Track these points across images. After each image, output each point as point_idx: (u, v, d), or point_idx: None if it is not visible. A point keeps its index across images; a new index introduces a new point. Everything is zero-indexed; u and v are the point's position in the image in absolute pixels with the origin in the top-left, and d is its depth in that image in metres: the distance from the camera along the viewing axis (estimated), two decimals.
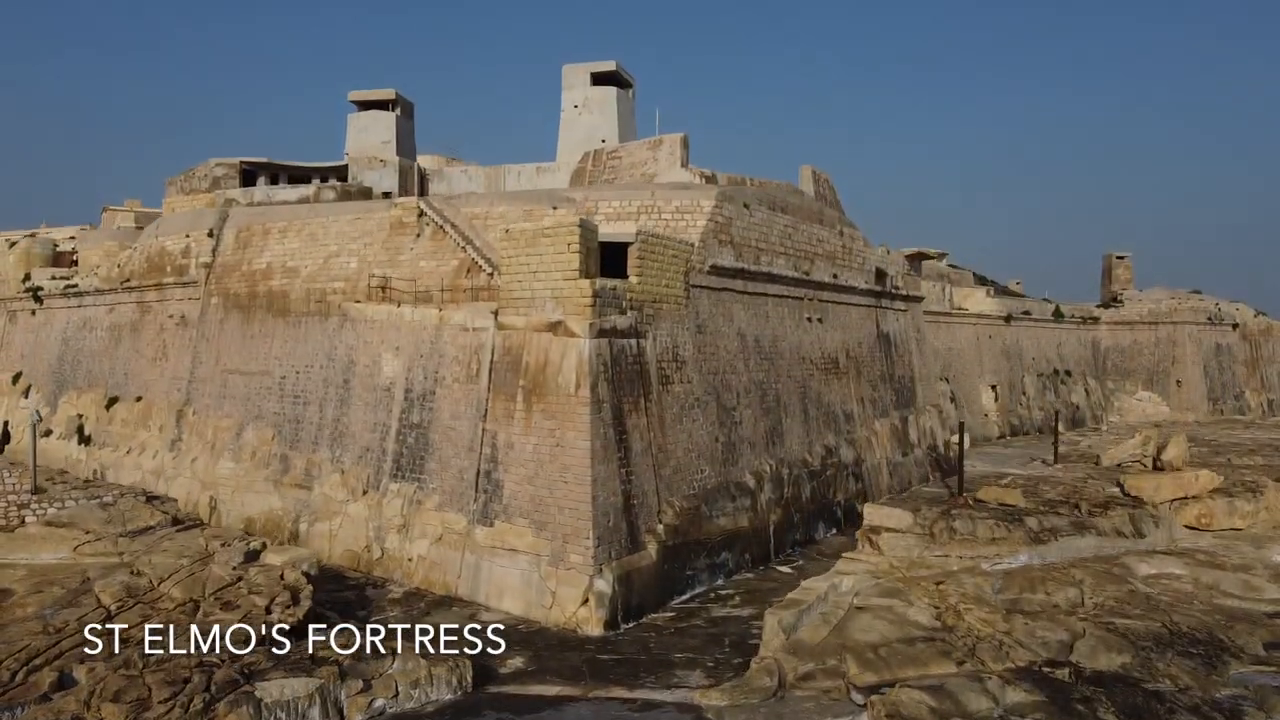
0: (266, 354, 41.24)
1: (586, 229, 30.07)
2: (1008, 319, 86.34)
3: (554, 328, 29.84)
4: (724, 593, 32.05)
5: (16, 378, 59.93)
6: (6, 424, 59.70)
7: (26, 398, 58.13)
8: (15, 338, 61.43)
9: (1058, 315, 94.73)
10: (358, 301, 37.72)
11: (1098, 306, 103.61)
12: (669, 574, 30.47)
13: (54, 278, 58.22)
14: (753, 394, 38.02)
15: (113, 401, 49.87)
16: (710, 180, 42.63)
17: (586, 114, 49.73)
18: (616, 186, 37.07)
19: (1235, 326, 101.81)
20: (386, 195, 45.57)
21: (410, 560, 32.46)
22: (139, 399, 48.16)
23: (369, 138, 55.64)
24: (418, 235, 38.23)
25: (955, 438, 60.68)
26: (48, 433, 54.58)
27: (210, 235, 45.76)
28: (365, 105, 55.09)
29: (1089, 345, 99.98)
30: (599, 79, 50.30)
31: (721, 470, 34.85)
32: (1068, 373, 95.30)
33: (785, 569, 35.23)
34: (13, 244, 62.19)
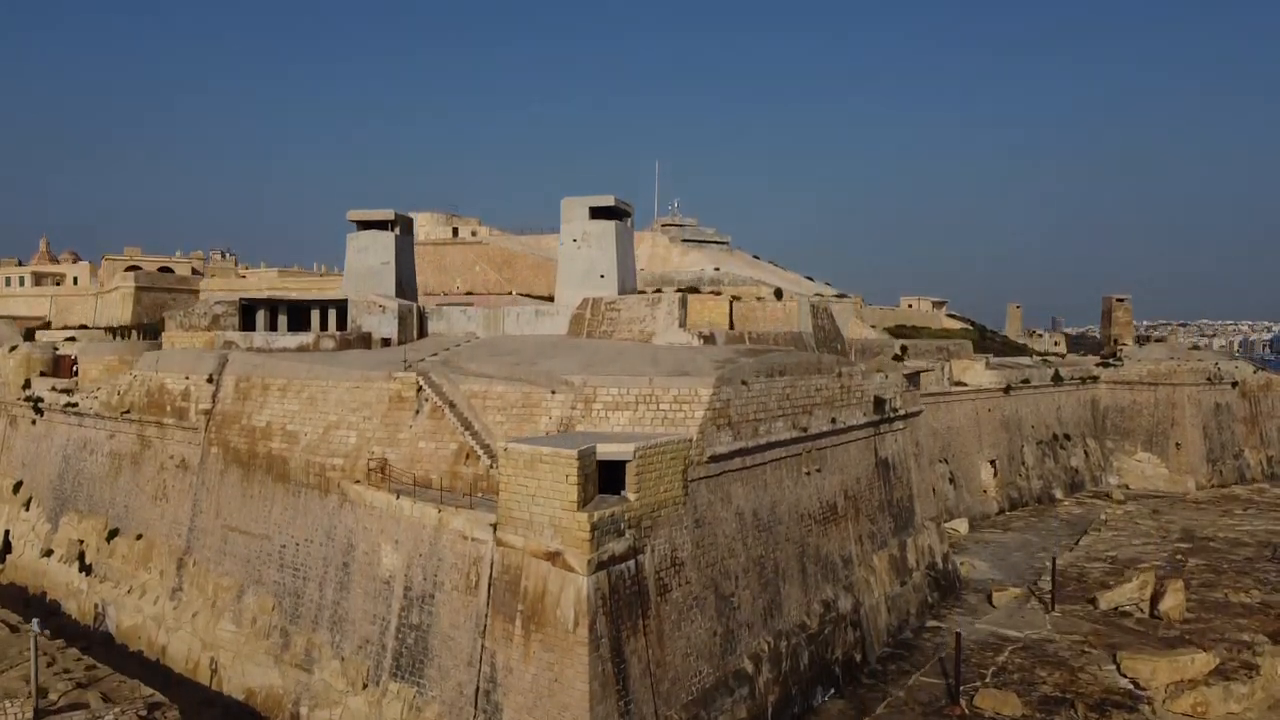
0: (266, 518, 41.36)
1: (584, 458, 30.14)
2: (1007, 389, 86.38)
3: (553, 558, 29.94)
4: None
5: (17, 486, 60.08)
6: (8, 533, 59.97)
7: (28, 510, 58.31)
8: (16, 444, 61.55)
9: (1057, 379, 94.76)
10: (357, 482, 37.79)
11: (1097, 364, 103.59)
12: None
13: (54, 389, 58.24)
14: (751, 572, 38.14)
15: (113, 534, 50.01)
16: (708, 340, 42.65)
17: (585, 248, 49.67)
18: (615, 373, 37.00)
19: (1235, 385, 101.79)
20: (386, 342, 45.58)
21: None
22: (139, 536, 48.29)
23: (368, 259, 55.68)
24: (416, 411, 38.29)
25: (960, 562, 60.90)
26: (49, 552, 54.86)
27: (210, 381, 45.82)
28: (365, 225, 55.08)
29: (1088, 405, 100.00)
30: (597, 213, 50.24)
31: (720, 664, 34.99)
32: (1066, 436, 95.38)
33: None
34: (13, 348, 62.17)
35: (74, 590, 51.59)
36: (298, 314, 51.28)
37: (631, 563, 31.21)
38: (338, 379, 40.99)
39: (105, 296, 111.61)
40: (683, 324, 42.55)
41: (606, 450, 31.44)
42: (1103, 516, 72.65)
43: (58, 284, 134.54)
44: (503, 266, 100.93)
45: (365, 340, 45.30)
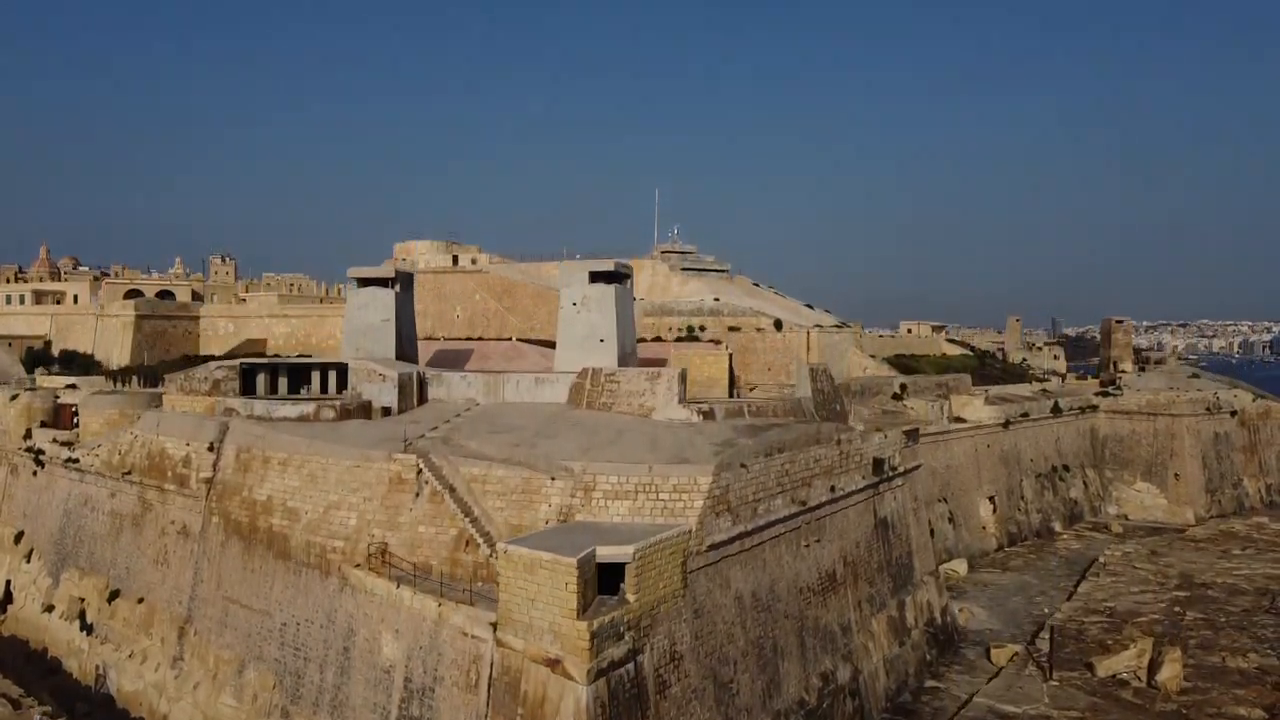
0: (267, 595, 41.53)
1: (584, 565, 30.30)
2: (1006, 424, 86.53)
3: (552, 664, 30.10)
4: None
5: (19, 537, 60.24)
6: (9, 584, 60.15)
7: (29, 562, 58.49)
8: (17, 493, 61.71)
9: (1056, 410, 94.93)
10: (358, 566, 37.94)
11: (1096, 393, 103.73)
12: None
13: (55, 441, 58.39)
14: (750, 655, 38.31)
15: (114, 595, 50.17)
16: (708, 417, 42.76)
17: (585, 312, 49.83)
18: (615, 458, 37.13)
19: (1234, 414, 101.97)
20: (386, 411, 45.72)
21: None
22: (141, 600, 48.46)
23: (368, 315, 55.85)
24: (417, 494, 38.44)
25: (958, 610, 61.13)
26: (50, 608, 55.03)
27: (211, 450, 45.96)
28: (365, 282, 55.27)
29: (1087, 435, 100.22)
30: (597, 277, 50.39)
31: None
32: (1065, 467, 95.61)
33: None
34: (14, 397, 62.31)
35: (75, 649, 51.78)
36: (298, 375, 51.44)
37: (631, 665, 31.39)
38: (338, 456, 41.11)
39: (105, 321, 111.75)
40: (682, 399, 42.63)
41: (606, 553, 31.59)
42: (1101, 560, 72.71)
43: (58, 302, 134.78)
44: (503, 295, 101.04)
45: (365, 409, 45.42)
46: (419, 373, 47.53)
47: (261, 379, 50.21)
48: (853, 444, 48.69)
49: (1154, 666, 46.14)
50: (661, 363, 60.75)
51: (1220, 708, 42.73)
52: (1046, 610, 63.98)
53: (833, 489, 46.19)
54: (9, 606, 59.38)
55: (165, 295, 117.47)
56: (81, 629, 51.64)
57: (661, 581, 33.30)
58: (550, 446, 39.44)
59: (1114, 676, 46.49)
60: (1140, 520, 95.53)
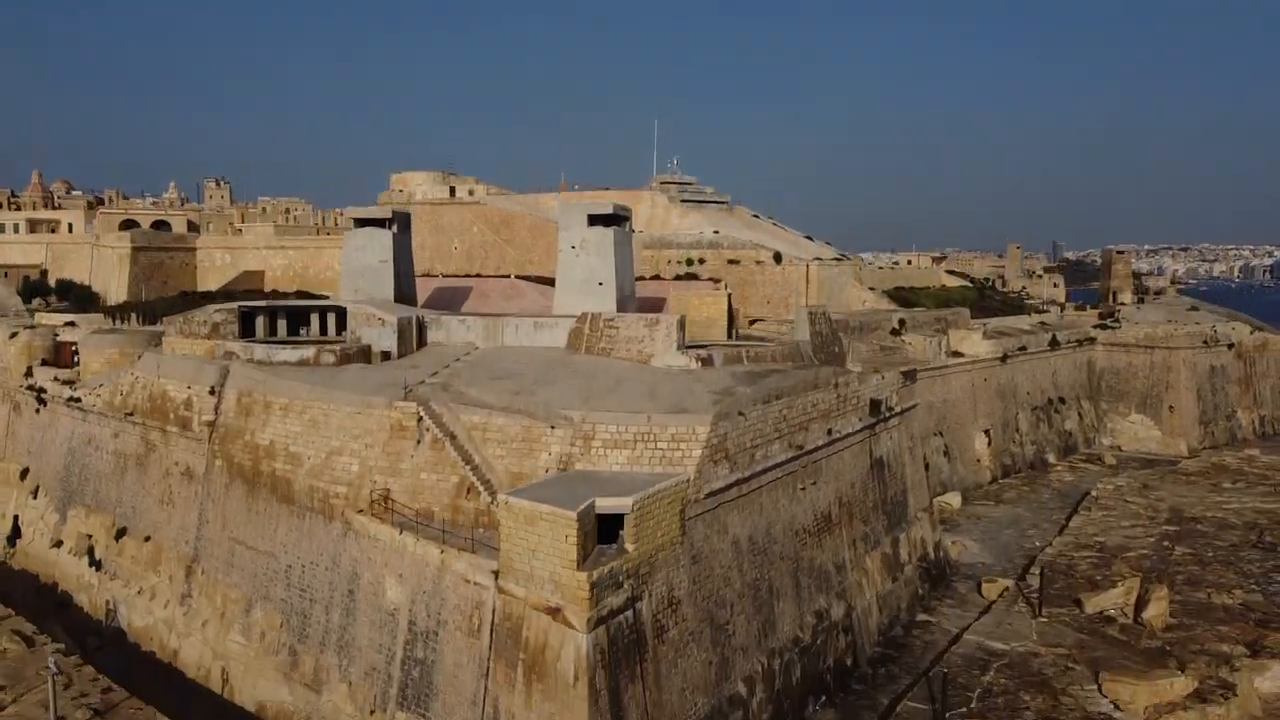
0: (272, 537, 42.25)
1: (584, 517, 30.82)
2: (1003, 358, 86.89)
3: (553, 613, 30.83)
4: None
5: (24, 473, 60.97)
6: (17, 519, 61.08)
7: (35, 498, 59.30)
8: (20, 430, 62.24)
9: (1053, 344, 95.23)
10: (360, 511, 38.54)
11: (1094, 325, 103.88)
12: None
13: (56, 379, 58.69)
14: (746, 597, 39.18)
15: (122, 532, 51.00)
16: (707, 364, 42.95)
17: (584, 255, 49.62)
18: (614, 407, 37.42)
19: (1231, 347, 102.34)
20: (386, 355, 45.86)
21: None
22: (148, 538, 49.30)
23: (365, 256, 55.64)
24: (418, 442, 38.85)
25: (950, 543, 62.19)
26: (58, 543, 56.00)
27: (212, 393, 46.27)
28: (362, 222, 54.96)
29: (1084, 367, 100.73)
30: (595, 220, 50.04)
31: (714, 692, 36.21)
32: (1061, 400, 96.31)
33: None
34: (14, 334, 62.41)
35: (85, 584, 52.85)
36: (296, 317, 51.48)
37: (630, 612, 32.14)
38: (339, 403, 41.41)
39: (101, 251, 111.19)
40: (680, 346, 42.74)
41: (605, 504, 32.10)
42: (1093, 493, 73.72)
43: (53, 231, 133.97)
44: (500, 227, 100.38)
45: (365, 354, 45.56)
46: (418, 316, 47.55)
47: (260, 321, 50.28)
48: (850, 387, 49.01)
49: (1141, 604, 47.22)
50: (660, 303, 60.77)
51: (1204, 644, 43.86)
52: (1038, 544, 65.17)
53: (829, 432, 46.65)
54: (18, 541, 60.41)
55: (161, 225, 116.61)
56: (90, 565, 52.62)
57: (660, 530, 33.89)
58: (550, 394, 39.71)
59: (1101, 613, 47.61)
60: (1133, 452, 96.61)
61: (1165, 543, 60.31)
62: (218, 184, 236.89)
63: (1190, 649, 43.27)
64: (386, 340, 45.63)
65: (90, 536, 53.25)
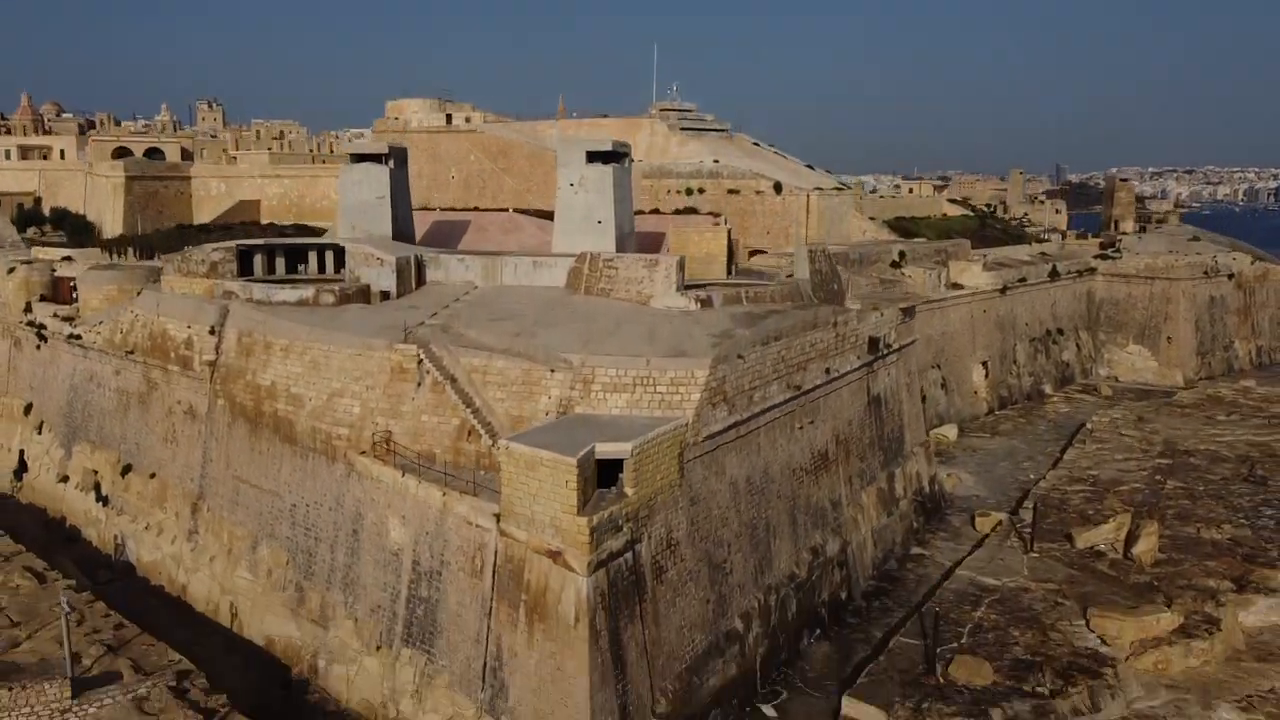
0: (276, 476, 42.79)
1: (584, 463, 31.21)
2: (1003, 290, 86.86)
3: (554, 556, 31.44)
4: None
5: (28, 409, 61.41)
6: (23, 453, 61.73)
7: (40, 433, 59.83)
8: (22, 366, 62.49)
9: (1054, 275, 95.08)
10: (363, 453, 38.97)
11: (1095, 255, 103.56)
12: None
13: (56, 315, 58.70)
14: (743, 536, 39.88)
15: (127, 469, 51.61)
16: (706, 305, 42.98)
17: (583, 193, 49.16)
18: (614, 351, 37.50)
19: (1231, 277, 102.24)
20: (385, 295, 45.81)
21: None
22: (153, 475, 49.91)
23: (362, 193, 55.15)
24: (418, 384, 39.09)
25: (946, 475, 62.95)
26: (64, 478, 56.72)
27: (212, 333, 46.36)
28: (359, 158, 54.34)
29: (1083, 298, 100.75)
30: (594, 157, 49.45)
31: (712, 629, 37.15)
32: (1060, 331, 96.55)
33: (769, 710, 38.10)
34: (11, 269, 62.24)
35: (93, 519, 53.67)
36: (295, 256, 51.31)
37: (629, 554, 32.78)
38: (339, 345, 41.53)
39: (95, 180, 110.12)
40: (680, 287, 42.69)
41: (605, 450, 32.46)
42: (1088, 425, 74.40)
43: (45, 157, 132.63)
44: (498, 156, 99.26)
45: (364, 294, 45.50)
46: (416, 256, 47.38)
47: (259, 259, 50.11)
48: (849, 325, 49.10)
49: (1131, 539, 48.08)
50: (659, 238, 60.49)
51: (1191, 579, 44.77)
52: (1032, 477, 66.05)
53: (828, 371, 46.89)
54: (24, 475, 61.15)
55: (154, 153, 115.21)
56: (97, 500, 53.38)
57: (659, 474, 34.34)
58: (550, 337, 39.82)
59: (1092, 548, 48.49)
60: (1130, 383, 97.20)
61: (1158, 477, 61.11)
62: (210, 106, 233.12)
63: (1178, 584, 44.19)
64: (385, 280, 45.56)
65: (96, 472, 53.89)
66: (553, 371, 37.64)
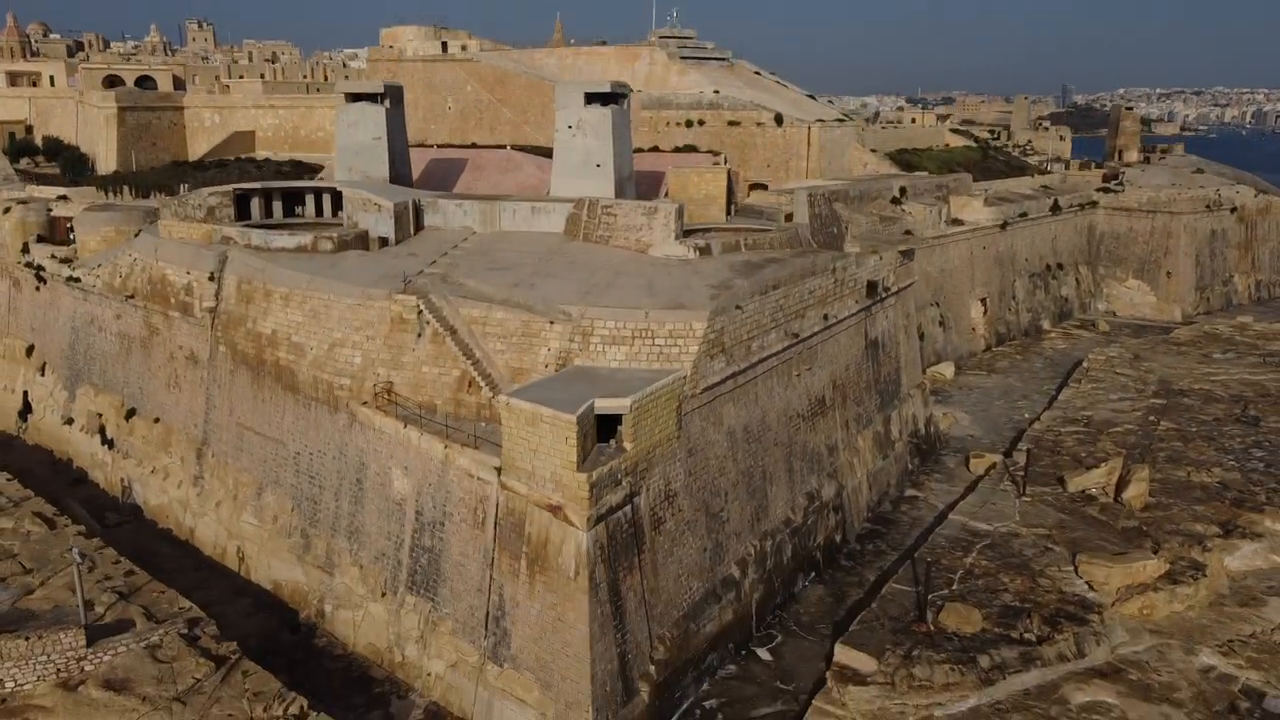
0: (279, 424, 43.27)
1: (583, 420, 31.63)
2: (1004, 225, 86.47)
3: (554, 510, 32.07)
4: (707, 704, 36.13)
5: (30, 350, 61.67)
6: (26, 394, 62.20)
7: (43, 375, 60.20)
8: (22, 307, 62.56)
9: (1055, 209, 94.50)
10: (365, 404, 39.37)
11: (1097, 189, 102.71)
12: (659, 708, 34.41)
13: (54, 257, 58.57)
14: (740, 484, 40.55)
15: (131, 413, 52.10)
16: (705, 253, 42.92)
17: (581, 136, 48.55)
18: (612, 303, 37.53)
19: (1233, 210, 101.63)
20: (384, 241, 45.66)
21: (429, 675, 36.33)
22: (157, 420, 50.41)
23: (358, 134, 54.48)
24: (418, 335, 39.30)
25: (941, 414, 63.50)
26: (69, 420, 57.27)
27: (211, 279, 46.38)
28: (355, 98, 53.55)
29: (1085, 232, 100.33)
30: (593, 98, 48.72)
31: (709, 574, 38.06)
32: (1060, 265, 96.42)
33: (764, 654, 39.28)
34: (7, 209, 61.89)
35: (99, 461, 54.36)
36: (292, 199, 50.96)
37: (628, 507, 33.42)
38: (339, 294, 41.60)
39: (87, 110, 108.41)
40: (678, 236, 42.59)
41: (604, 405, 32.86)
42: (1084, 364, 74.76)
43: (34, 84, 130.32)
44: (495, 86, 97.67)
45: (363, 240, 45.36)
46: (414, 201, 47.08)
47: (256, 203, 49.82)
48: (847, 271, 49.10)
49: (1122, 484, 48.80)
50: (659, 178, 60.04)
51: (1179, 524, 45.62)
52: (1027, 416, 66.77)
53: (825, 317, 47.06)
54: (29, 416, 61.73)
55: (145, 81, 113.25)
56: (103, 444, 53.99)
57: (657, 428, 34.80)
58: (549, 288, 39.89)
59: (1083, 492, 49.25)
60: (1128, 318, 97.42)
61: (1151, 417, 61.68)
62: (200, 26, 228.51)
63: (1166, 529, 45.03)
64: (383, 226, 45.42)
65: (100, 415, 54.40)
66: (552, 323, 37.82)
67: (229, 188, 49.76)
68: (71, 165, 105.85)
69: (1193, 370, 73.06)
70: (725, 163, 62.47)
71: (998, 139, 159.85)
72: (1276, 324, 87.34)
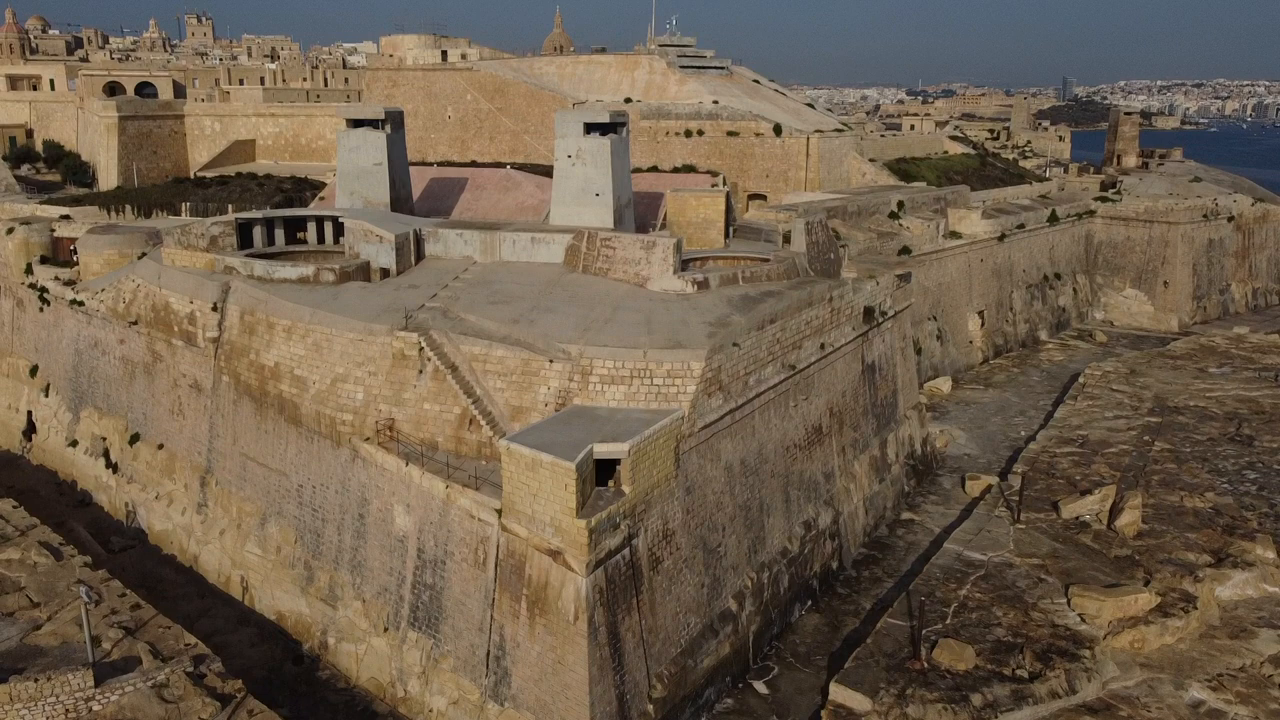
0: (282, 456, 43.78)
1: (582, 466, 32.13)
2: (1001, 237, 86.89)
3: (554, 555, 32.62)
4: None
5: (34, 371, 62.14)
6: (30, 414, 62.70)
7: (47, 395, 60.69)
8: (26, 327, 63.00)
9: (1053, 219, 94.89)
10: (367, 439, 39.88)
11: (1095, 197, 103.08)
12: None
13: (57, 279, 59.00)
14: (737, 518, 41.10)
15: (135, 438, 52.61)
16: (702, 287, 43.35)
17: (580, 165, 48.98)
18: (611, 342, 38.01)
19: (1231, 219, 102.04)
20: (385, 272, 46.13)
21: (431, 711, 36.93)
22: (161, 446, 50.92)
23: (359, 159, 54.86)
24: (420, 372, 39.79)
25: (938, 432, 64.01)
26: (74, 443, 57.78)
27: (214, 309, 46.82)
28: (356, 123, 53.99)
29: (1082, 241, 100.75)
30: (592, 128, 49.14)
31: (706, 609, 38.63)
32: (1057, 275, 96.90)
33: (761, 687, 39.85)
34: (10, 230, 62.27)
35: (103, 485, 54.88)
36: (294, 227, 51.37)
37: (626, 550, 33.96)
38: (341, 328, 42.05)
39: (87, 117, 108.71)
40: (676, 270, 43.02)
41: (603, 450, 33.37)
42: (1080, 380, 75.27)
43: (34, 88, 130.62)
44: (494, 95, 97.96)
45: (364, 271, 45.81)
46: (415, 231, 47.53)
47: (258, 231, 50.23)
48: (844, 299, 49.56)
49: (1115, 510, 49.36)
50: (658, 199, 60.42)
51: (1171, 553, 46.18)
52: (1023, 433, 67.30)
53: (822, 346, 47.55)
54: (33, 436, 62.25)
55: (145, 88, 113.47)
56: (107, 467, 54.49)
57: (655, 469, 35.31)
58: (549, 323, 40.31)
59: (1077, 518, 49.82)
60: (1125, 328, 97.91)
61: (1146, 437, 62.19)
62: (199, 20, 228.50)
63: (1158, 558, 45.58)
64: (385, 257, 45.86)
65: (104, 439, 54.88)
66: (551, 362, 38.31)
67: (231, 217, 50.11)
68: (72, 172, 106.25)
69: (1188, 386, 73.57)
70: (724, 183, 62.81)
71: (997, 139, 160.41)
72: (1271, 335, 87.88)
